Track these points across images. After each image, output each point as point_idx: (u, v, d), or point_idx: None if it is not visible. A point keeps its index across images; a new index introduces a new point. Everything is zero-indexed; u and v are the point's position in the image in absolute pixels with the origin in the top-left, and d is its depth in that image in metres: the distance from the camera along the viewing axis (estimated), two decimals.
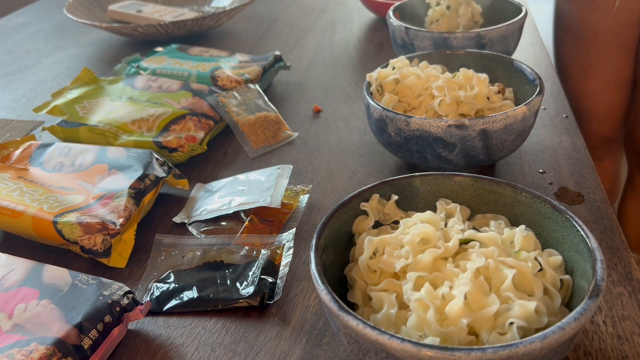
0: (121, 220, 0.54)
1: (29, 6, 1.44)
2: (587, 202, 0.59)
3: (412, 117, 0.56)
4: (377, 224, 0.46)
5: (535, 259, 0.40)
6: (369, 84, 0.65)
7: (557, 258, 0.40)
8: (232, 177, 0.65)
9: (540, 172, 0.64)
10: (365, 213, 0.46)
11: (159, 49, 0.95)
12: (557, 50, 1.19)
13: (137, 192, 0.58)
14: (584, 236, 0.39)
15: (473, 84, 0.61)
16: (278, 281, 0.50)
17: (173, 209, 0.63)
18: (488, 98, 0.62)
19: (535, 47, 0.98)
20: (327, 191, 0.64)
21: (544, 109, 0.77)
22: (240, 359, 0.44)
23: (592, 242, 0.39)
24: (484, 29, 0.77)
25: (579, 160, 0.65)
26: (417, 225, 0.42)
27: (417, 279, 0.38)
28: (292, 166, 0.63)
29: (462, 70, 0.62)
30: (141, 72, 0.87)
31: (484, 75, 0.62)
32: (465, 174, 0.47)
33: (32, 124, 0.83)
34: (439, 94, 0.61)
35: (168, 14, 1.13)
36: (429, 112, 0.62)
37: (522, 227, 0.42)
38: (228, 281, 0.50)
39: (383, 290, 0.40)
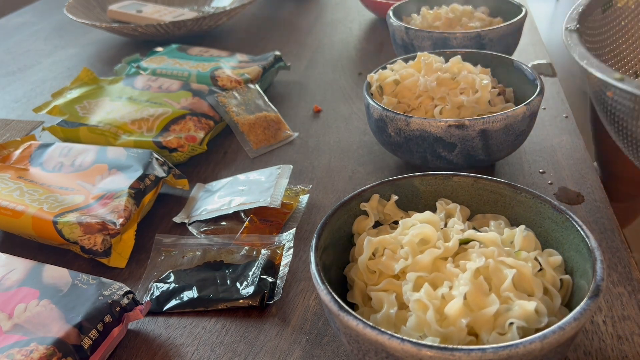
0: (121, 220, 0.54)
1: (29, 6, 1.44)
2: (587, 202, 0.59)
3: (412, 117, 0.56)
4: (377, 224, 0.46)
5: (535, 259, 0.40)
6: (369, 84, 0.65)
7: (557, 258, 0.40)
8: (232, 177, 0.65)
9: (540, 172, 0.64)
10: (365, 213, 0.46)
11: (159, 49, 0.95)
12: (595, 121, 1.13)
13: (137, 192, 0.58)
14: (584, 236, 0.39)
15: (476, 88, 0.61)
16: (278, 281, 0.50)
17: (173, 209, 0.63)
18: (489, 102, 0.62)
19: (535, 47, 0.98)
20: (327, 191, 0.64)
21: (544, 109, 0.77)
22: (240, 359, 0.44)
23: (592, 242, 0.38)
24: (484, 28, 0.77)
25: (579, 161, 0.65)
26: (416, 226, 0.42)
27: (417, 279, 0.38)
28: (292, 166, 0.63)
29: (463, 75, 0.62)
30: (141, 72, 0.87)
31: (486, 81, 0.61)
32: (465, 174, 0.47)
33: (32, 124, 0.83)
34: (440, 103, 0.61)
35: (168, 14, 1.13)
36: (429, 113, 0.62)
37: (522, 227, 0.42)
38: (228, 281, 0.50)
39: (383, 290, 0.40)
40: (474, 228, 0.44)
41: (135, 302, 0.46)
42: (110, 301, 0.44)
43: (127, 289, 0.47)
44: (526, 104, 0.56)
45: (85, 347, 0.41)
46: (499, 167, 0.65)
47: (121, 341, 0.46)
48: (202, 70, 0.84)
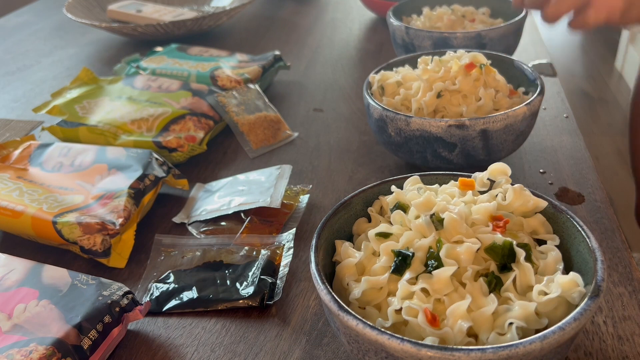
0: (121, 220, 0.54)
1: (29, 6, 1.43)
2: (588, 203, 0.59)
3: (412, 116, 0.56)
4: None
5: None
6: (370, 84, 0.65)
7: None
8: (232, 177, 0.64)
9: (540, 172, 0.64)
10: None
11: (159, 48, 0.95)
12: (632, 135, 1.07)
13: (136, 192, 0.57)
14: (585, 236, 0.39)
15: (479, 96, 0.60)
16: (278, 281, 0.50)
17: (173, 209, 0.62)
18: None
19: (535, 47, 0.98)
20: (327, 191, 0.64)
21: (544, 109, 0.77)
22: None
23: (593, 243, 0.38)
24: (485, 28, 0.77)
25: (579, 161, 0.65)
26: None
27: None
28: (292, 166, 0.63)
29: (460, 80, 0.60)
30: (141, 72, 0.87)
31: (491, 90, 0.61)
32: (465, 174, 0.47)
33: (32, 124, 0.83)
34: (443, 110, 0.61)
35: (168, 14, 1.12)
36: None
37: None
38: (228, 281, 0.50)
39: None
40: None
41: (134, 303, 0.46)
42: (109, 301, 0.44)
43: (127, 289, 0.47)
44: (526, 104, 0.56)
45: (85, 347, 0.41)
46: None
47: (121, 341, 0.46)
48: (202, 70, 0.84)
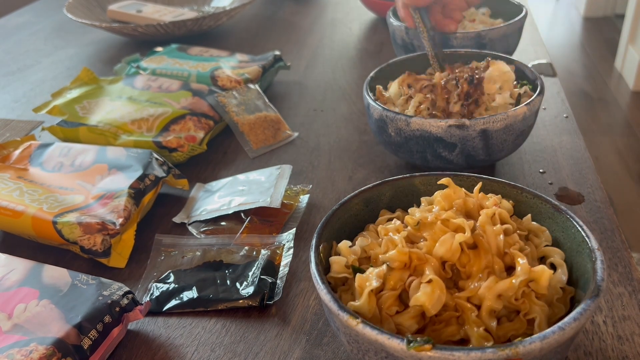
0: (121, 220, 0.54)
1: (29, 6, 1.43)
2: (588, 202, 0.59)
3: (412, 117, 0.56)
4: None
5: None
6: (370, 84, 0.65)
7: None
8: (232, 177, 0.65)
9: (540, 172, 0.64)
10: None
11: (159, 49, 0.95)
12: None
13: (136, 192, 0.57)
14: (585, 236, 0.39)
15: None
16: (278, 281, 0.50)
17: (173, 209, 0.63)
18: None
19: (535, 47, 0.98)
20: (327, 191, 0.64)
21: (544, 109, 0.77)
22: (240, 359, 0.44)
23: (593, 242, 0.38)
24: (484, 28, 0.77)
25: (579, 161, 0.65)
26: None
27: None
28: (292, 166, 0.63)
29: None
30: (141, 72, 0.87)
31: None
32: (465, 174, 0.47)
33: (32, 124, 0.83)
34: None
35: (168, 14, 1.13)
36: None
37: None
38: (228, 281, 0.50)
39: None
40: None
41: (134, 302, 0.46)
42: (109, 301, 0.44)
43: (127, 289, 0.47)
44: (526, 104, 0.56)
45: (85, 347, 0.41)
46: (499, 167, 0.65)
47: (121, 341, 0.46)
48: (202, 70, 0.84)
